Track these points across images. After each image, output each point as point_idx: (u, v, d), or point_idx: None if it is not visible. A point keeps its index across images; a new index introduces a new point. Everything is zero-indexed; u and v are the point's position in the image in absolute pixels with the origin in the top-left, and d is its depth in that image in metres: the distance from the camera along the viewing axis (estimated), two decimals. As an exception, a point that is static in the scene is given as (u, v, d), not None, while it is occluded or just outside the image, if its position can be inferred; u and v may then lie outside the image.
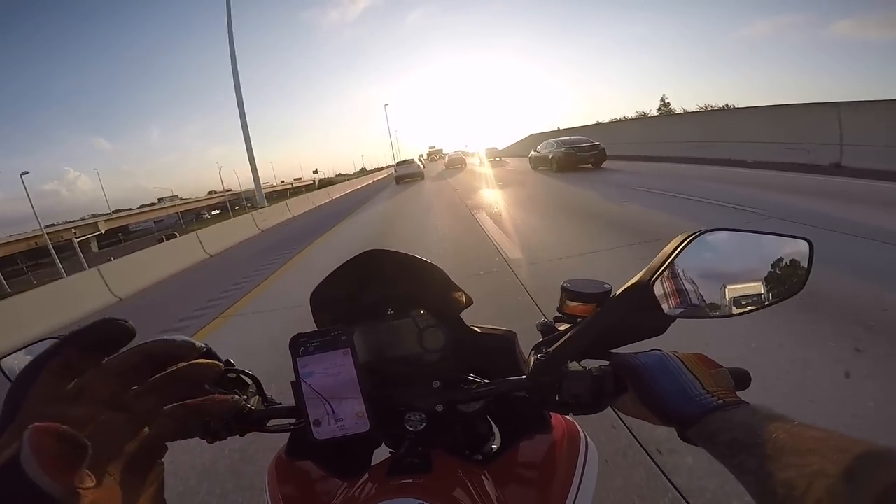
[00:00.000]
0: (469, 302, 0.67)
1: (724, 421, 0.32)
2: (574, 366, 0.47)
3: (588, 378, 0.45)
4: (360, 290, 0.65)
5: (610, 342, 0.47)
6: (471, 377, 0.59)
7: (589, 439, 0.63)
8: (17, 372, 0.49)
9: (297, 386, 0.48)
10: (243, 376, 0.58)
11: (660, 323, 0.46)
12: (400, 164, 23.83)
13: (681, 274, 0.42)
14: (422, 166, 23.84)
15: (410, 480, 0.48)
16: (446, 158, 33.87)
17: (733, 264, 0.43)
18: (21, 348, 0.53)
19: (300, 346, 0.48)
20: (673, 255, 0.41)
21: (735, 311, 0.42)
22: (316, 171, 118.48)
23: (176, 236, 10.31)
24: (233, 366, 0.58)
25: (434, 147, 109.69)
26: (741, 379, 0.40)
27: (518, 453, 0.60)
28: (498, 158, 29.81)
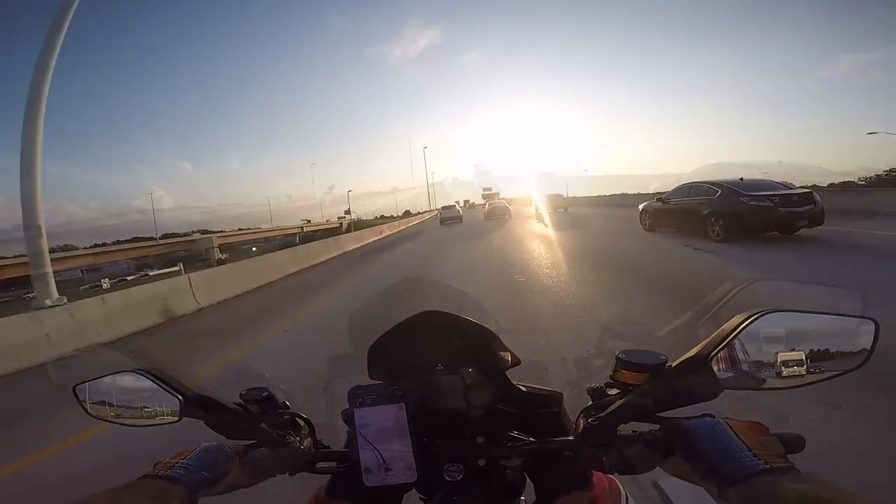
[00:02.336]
0: (516, 361, 0.69)
1: (771, 485, 0.33)
2: (624, 429, 0.48)
3: (639, 443, 0.46)
4: (413, 345, 0.68)
5: (661, 407, 0.49)
6: (514, 434, 0.61)
7: (630, 497, 0.61)
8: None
9: (352, 435, 0.53)
10: (298, 419, 0.64)
11: (713, 392, 0.47)
12: (444, 208, 28.64)
13: (738, 347, 0.44)
14: (460, 211, 28.63)
15: None
16: (486, 207, 27.65)
17: (792, 341, 0.44)
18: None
19: (358, 397, 0.54)
20: (734, 334, 0.43)
21: (790, 384, 0.44)
22: (348, 212, 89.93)
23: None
24: (289, 408, 0.65)
25: (489, 190, 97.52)
26: (794, 443, 0.40)
27: None
28: (562, 209, 24.13)
